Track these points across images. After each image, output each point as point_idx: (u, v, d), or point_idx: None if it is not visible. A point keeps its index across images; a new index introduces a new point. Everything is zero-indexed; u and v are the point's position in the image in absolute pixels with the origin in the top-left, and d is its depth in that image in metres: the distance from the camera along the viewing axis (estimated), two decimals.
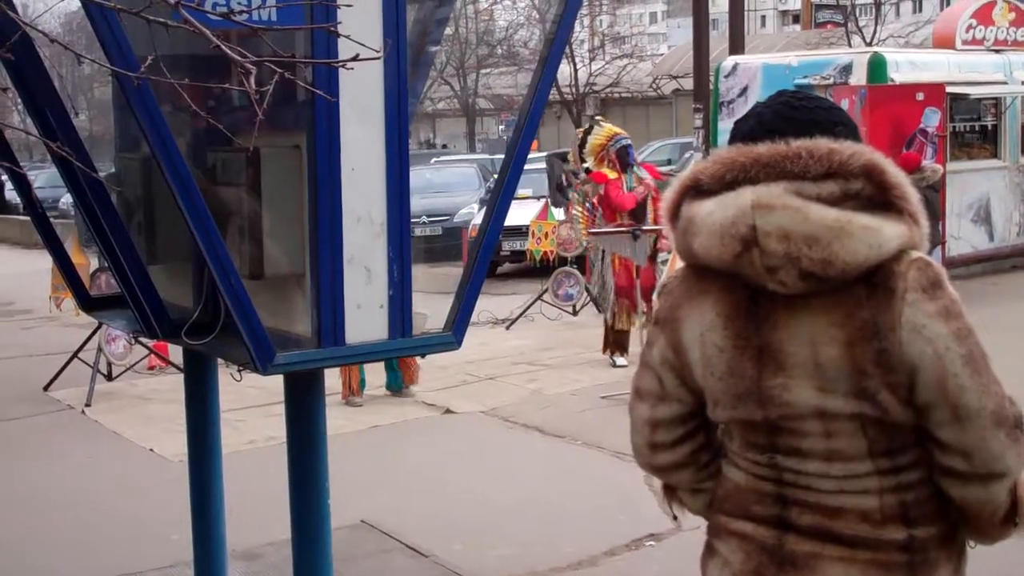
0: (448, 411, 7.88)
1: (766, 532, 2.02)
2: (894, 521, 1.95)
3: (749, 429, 2.04)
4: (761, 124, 2.04)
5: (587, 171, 9.06)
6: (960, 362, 1.87)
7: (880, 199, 1.93)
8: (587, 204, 9.05)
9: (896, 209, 1.93)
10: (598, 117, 9.85)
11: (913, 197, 1.96)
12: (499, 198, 3.43)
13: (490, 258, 3.47)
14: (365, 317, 3.18)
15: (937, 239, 10.69)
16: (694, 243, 2.00)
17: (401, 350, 3.35)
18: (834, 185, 1.91)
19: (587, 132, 9.17)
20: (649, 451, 2.18)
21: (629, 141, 9.20)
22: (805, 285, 1.90)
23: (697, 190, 2.02)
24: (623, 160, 8.92)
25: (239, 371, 3.18)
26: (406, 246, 3.26)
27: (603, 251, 9.03)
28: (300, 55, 3.14)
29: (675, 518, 2.34)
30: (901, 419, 1.92)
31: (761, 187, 1.92)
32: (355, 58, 1.67)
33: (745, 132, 2.06)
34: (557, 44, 3.46)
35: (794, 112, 2.04)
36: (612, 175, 8.87)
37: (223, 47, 1.58)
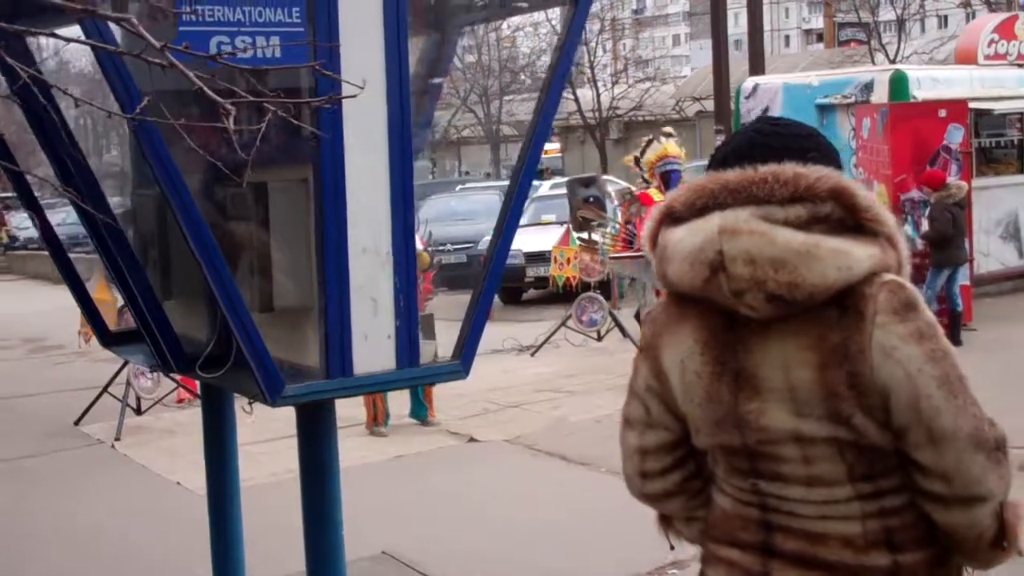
0: (472, 439, 7.89)
1: (752, 559, 2.01)
2: (878, 547, 1.93)
3: (731, 455, 2.04)
4: (734, 151, 2.06)
5: (631, 193, 9.06)
6: (934, 384, 1.86)
7: (852, 222, 1.93)
8: (627, 226, 9.03)
9: (870, 232, 1.94)
10: (667, 129, 9.80)
11: (888, 220, 1.97)
12: (503, 228, 3.45)
13: (497, 286, 3.48)
14: (372, 348, 3.21)
15: (964, 257, 10.60)
16: (668, 270, 2.02)
17: (409, 380, 3.38)
18: (802, 209, 1.92)
19: (648, 143, 9.17)
20: (640, 479, 2.19)
21: (676, 166, 9.17)
22: (774, 308, 1.90)
23: (672, 218, 2.04)
24: (666, 184, 8.89)
25: (249, 403, 3.22)
26: (412, 276, 3.29)
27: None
28: (305, 90, 3.19)
29: (672, 547, 2.34)
30: (879, 442, 1.91)
31: (728, 212, 1.94)
32: (331, 97, 1.70)
33: (719, 159, 2.07)
34: (560, 68, 3.48)
35: (766, 139, 2.05)
36: (658, 197, 8.83)
37: (204, 88, 1.62)
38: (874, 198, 1.98)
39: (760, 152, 2.00)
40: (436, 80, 4.27)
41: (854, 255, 1.89)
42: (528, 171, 3.46)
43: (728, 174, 1.99)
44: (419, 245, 8.45)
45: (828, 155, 2.06)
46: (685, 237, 1.97)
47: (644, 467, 2.16)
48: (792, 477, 1.96)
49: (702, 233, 1.94)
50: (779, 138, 2.05)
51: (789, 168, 1.95)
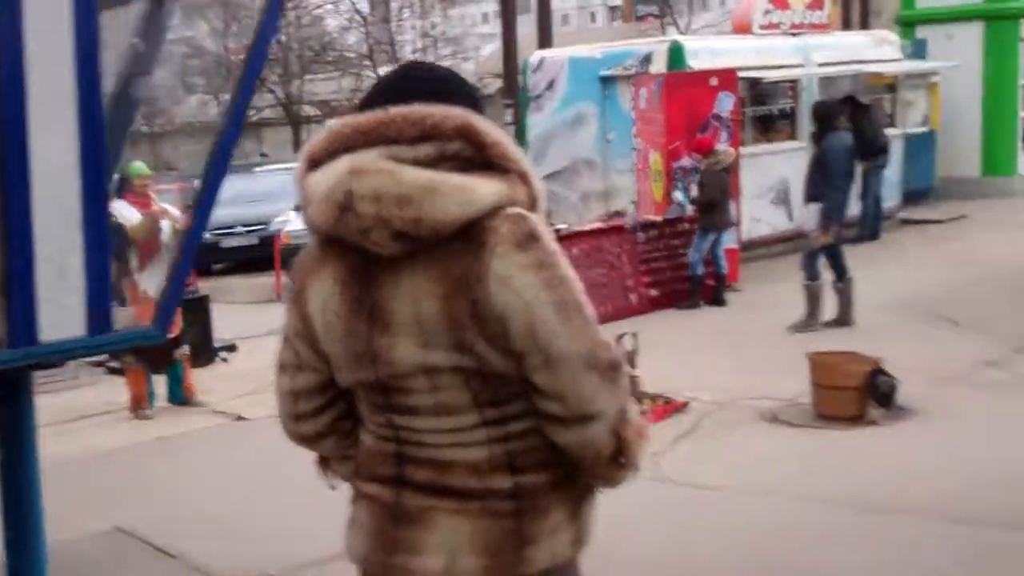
0: (240, 418, 7.79)
1: (387, 491, 2.07)
2: (500, 470, 2.01)
3: (369, 391, 2.08)
4: (371, 97, 2.10)
5: None
6: (551, 310, 1.93)
7: (480, 159, 1.98)
8: None
9: (500, 169, 1.99)
10: None
11: (518, 156, 2.02)
12: (200, 204, 3.39)
13: (192, 260, 3.44)
14: (60, 315, 3.12)
15: (730, 221, 10.96)
16: (308, 213, 2.05)
17: (102, 346, 3.30)
18: (430, 148, 1.96)
19: None
20: (293, 422, 2.22)
21: None
22: (401, 245, 1.94)
23: (313, 163, 2.06)
24: None
25: None
26: (104, 242, 3.21)
27: None
28: None
29: (333, 487, 2.37)
30: (502, 369, 1.97)
31: (358, 154, 1.97)
32: None
33: (359, 106, 2.11)
34: (251, 66, 3.42)
35: (401, 83, 2.11)
36: None
37: None
38: (502, 134, 2.03)
39: (394, 96, 2.05)
40: (145, 47, 4.16)
41: (477, 191, 1.94)
42: (219, 167, 3.38)
43: (360, 117, 2.02)
44: (136, 216, 7.63)
45: (464, 96, 2.11)
46: (321, 180, 2.00)
47: (296, 409, 2.20)
48: (422, 408, 2.02)
49: (334, 175, 1.98)
50: (413, 82, 2.10)
51: (419, 109, 1.99)
